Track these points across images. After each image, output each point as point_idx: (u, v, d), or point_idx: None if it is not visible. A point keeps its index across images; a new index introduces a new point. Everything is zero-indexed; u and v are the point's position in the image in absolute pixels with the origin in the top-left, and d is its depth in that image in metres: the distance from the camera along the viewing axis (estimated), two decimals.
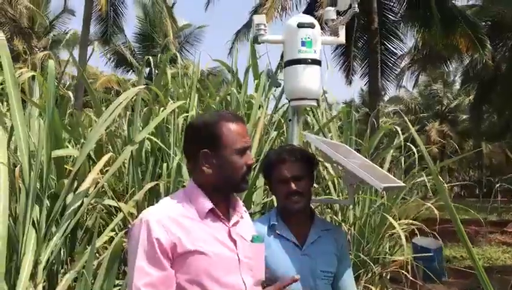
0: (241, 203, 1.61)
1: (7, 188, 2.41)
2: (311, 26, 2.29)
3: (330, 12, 2.49)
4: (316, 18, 2.43)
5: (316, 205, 3.96)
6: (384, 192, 4.21)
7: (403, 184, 2.46)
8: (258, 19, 2.42)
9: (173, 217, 1.40)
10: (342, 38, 2.52)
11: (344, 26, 2.52)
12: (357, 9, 2.41)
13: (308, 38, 2.27)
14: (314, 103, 2.37)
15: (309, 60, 2.28)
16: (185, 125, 4.07)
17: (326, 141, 2.26)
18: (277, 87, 2.88)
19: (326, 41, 2.50)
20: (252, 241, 1.55)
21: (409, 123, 1.74)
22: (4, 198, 2.35)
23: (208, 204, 1.46)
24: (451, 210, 1.15)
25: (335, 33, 2.52)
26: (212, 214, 1.47)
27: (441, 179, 5.45)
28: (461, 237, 1.12)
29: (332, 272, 1.98)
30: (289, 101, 2.43)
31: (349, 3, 2.43)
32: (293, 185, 1.90)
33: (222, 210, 1.51)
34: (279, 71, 4.10)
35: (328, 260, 1.98)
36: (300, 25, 2.29)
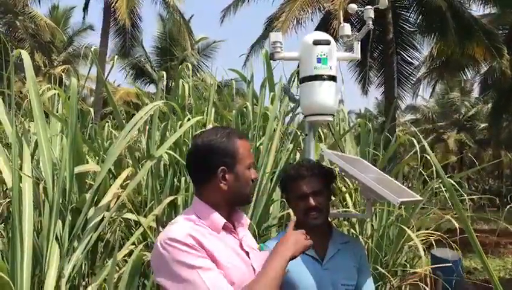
0: (245, 215, 1.66)
1: (32, 202, 2.49)
2: (327, 43, 2.33)
3: (345, 28, 2.53)
4: (331, 31, 2.47)
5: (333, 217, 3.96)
6: None
7: (420, 198, 2.45)
8: (274, 36, 2.46)
9: (196, 230, 1.44)
10: (357, 54, 2.56)
11: (359, 42, 2.56)
12: (371, 26, 2.45)
13: (324, 55, 2.30)
14: (331, 119, 2.40)
15: (325, 77, 2.31)
16: None
17: (343, 156, 2.28)
18: (293, 102, 2.92)
19: (341, 58, 2.54)
20: (260, 250, 1.62)
21: (421, 137, 1.76)
22: (29, 213, 2.42)
23: (221, 219, 1.51)
24: (465, 223, 1.17)
25: (350, 49, 2.56)
26: (224, 228, 1.52)
27: (459, 189, 5.38)
28: (475, 247, 1.13)
29: (353, 285, 1.99)
30: (305, 117, 2.46)
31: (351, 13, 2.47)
32: (311, 201, 1.92)
33: (231, 224, 1.57)
34: (292, 83, 4.13)
35: (349, 273, 2.00)
36: (316, 42, 2.32)
